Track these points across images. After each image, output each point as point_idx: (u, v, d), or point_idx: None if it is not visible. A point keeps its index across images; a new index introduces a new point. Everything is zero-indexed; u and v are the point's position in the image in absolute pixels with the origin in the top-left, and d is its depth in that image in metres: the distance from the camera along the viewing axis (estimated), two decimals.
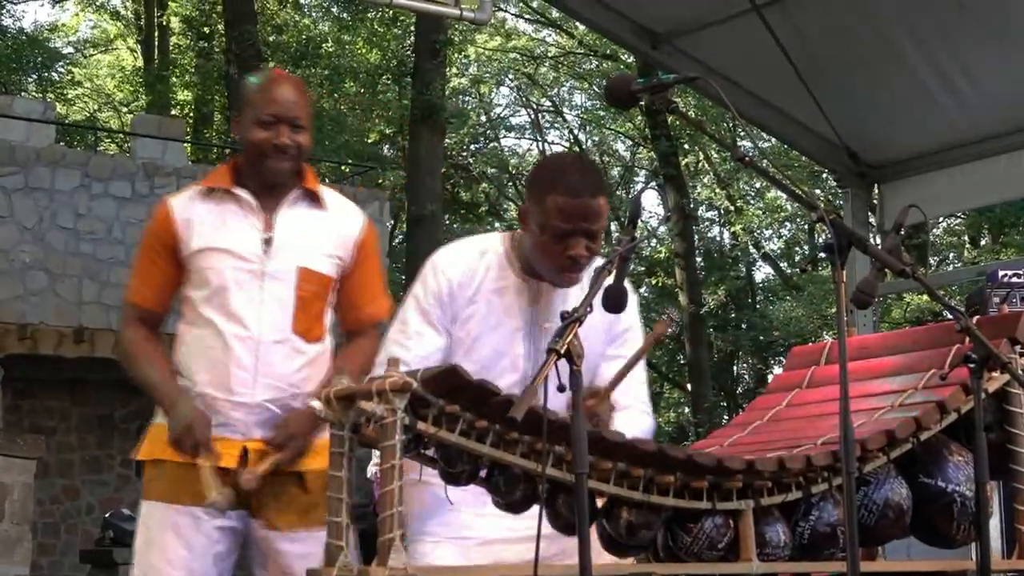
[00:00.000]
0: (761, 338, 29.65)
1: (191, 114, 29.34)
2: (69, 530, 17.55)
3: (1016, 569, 3.84)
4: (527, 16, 31.03)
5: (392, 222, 24.03)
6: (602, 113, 31.66)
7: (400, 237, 26.77)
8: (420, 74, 20.93)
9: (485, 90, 32.76)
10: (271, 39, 27.05)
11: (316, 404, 3.11)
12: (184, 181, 16.29)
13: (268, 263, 3.90)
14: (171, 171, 16.48)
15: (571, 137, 33.88)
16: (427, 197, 20.15)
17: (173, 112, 27.92)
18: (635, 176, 34.77)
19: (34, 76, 31.52)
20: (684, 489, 3.25)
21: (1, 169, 15.43)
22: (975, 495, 3.57)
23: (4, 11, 29.99)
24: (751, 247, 32.70)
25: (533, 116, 34.29)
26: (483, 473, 3.15)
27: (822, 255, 3.13)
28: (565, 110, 34.19)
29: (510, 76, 32.49)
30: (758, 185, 31.30)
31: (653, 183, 32.56)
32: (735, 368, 33.50)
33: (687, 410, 31.38)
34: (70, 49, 34.16)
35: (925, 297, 23.99)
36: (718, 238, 34.71)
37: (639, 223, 3.45)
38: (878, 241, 7.84)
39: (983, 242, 29.02)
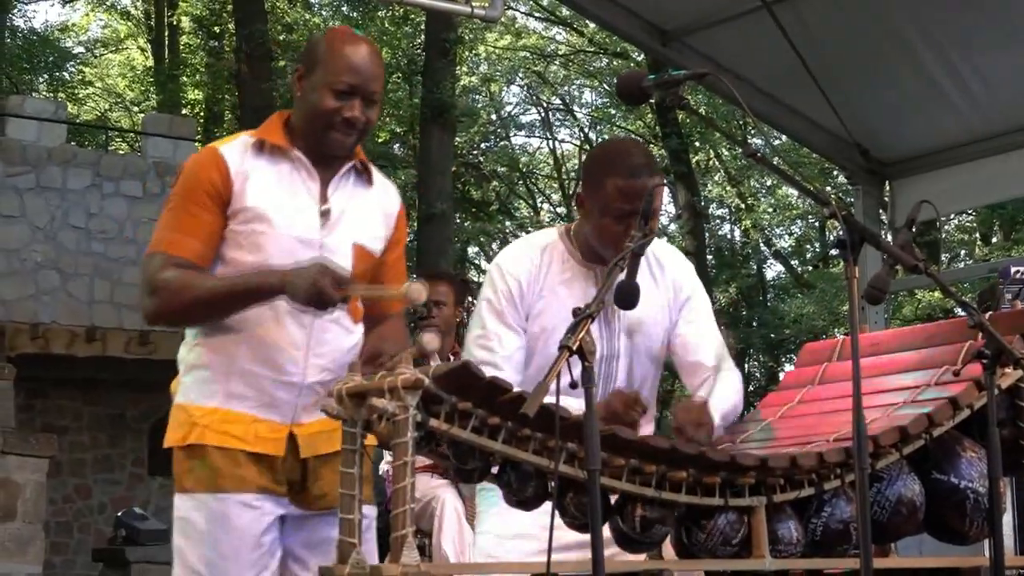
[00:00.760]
0: (772, 335, 29.60)
1: (202, 113, 29.36)
2: (81, 529, 17.59)
3: None
4: (537, 14, 31.00)
5: None
6: (613, 111, 31.62)
7: (411, 236, 26.78)
8: (430, 73, 20.92)
9: (495, 88, 32.73)
10: (281, 38, 27.03)
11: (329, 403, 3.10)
12: None
13: (325, 236, 3.62)
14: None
15: (581, 135, 33.87)
16: (437, 196, 20.13)
17: (184, 111, 27.94)
18: None
19: (45, 76, 31.57)
20: (697, 485, 3.25)
21: (13, 169, 15.47)
22: (988, 491, 3.56)
23: (15, 11, 30.03)
24: (762, 244, 32.66)
25: (543, 114, 34.28)
26: (495, 470, 3.15)
27: (834, 251, 3.14)
28: (575, 108, 34.18)
29: (520, 74, 32.45)
30: (769, 182, 31.26)
31: (664, 180, 32.53)
32: (747, 365, 33.40)
33: None
34: (81, 49, 34.23)
35: (937, 294, 23.96)
36: (729, 236, 34.69)
37: (650, 218, 3.46)
38: (890, 238, 7.84)
39: (995, 239, 28.95)
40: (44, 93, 29.41)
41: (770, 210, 32.15)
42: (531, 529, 3.54)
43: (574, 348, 2.84)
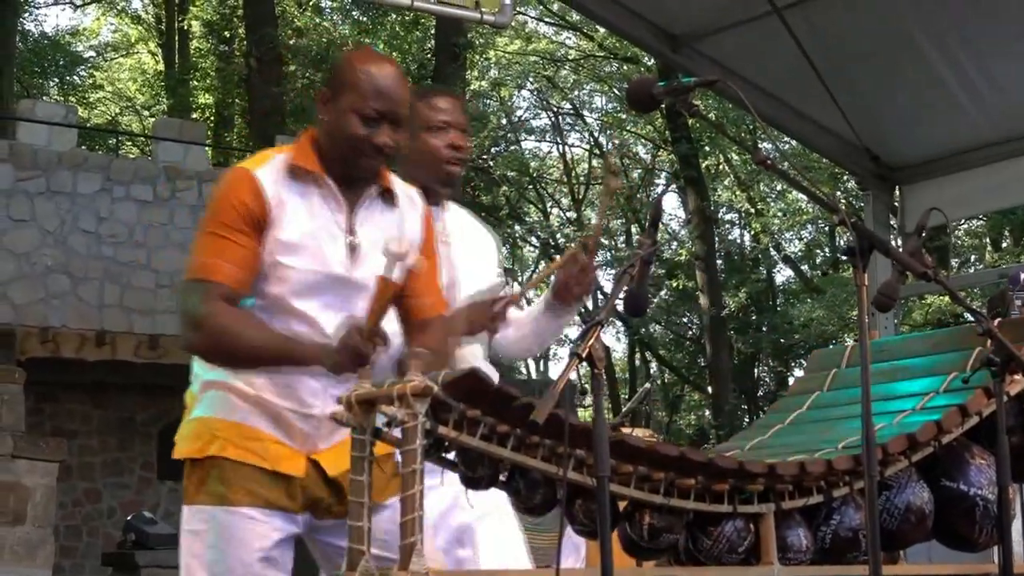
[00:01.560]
0: (782, 340, 29.60)
1: (212, 117, 29.38)
2: (91, 533, 17.62)
3: None
4: (547, 19, 31.04)
5: None
6: (623, 116, 31.63)
7: None
8: (440, 77, 20.94)
9: (505, 93, 32.75)
10: (291, 42, 27.07)
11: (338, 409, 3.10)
12: (205, 184, 16.36)
13: (353, 271, 3.57)
14: (192, 174, 16.52)
15: (591, 140, 33.90)
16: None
17: (194, 115, 27.96)
18: (656, 178, 34.80)
19: (56, 80, 31.68)
20: (705, 492, 3.25)
21: (23, 173, 15.49)
22: (997, 498, 3.56)
23: (26, 15, 30.11)
24: (772, 249, 32.64)
25: (553, 119, 34.32)
26: (503, 477, 3.15)
27: (844, 257, 3.13)
28: (585, 113, 34.21)
29: (530, 79, 32.47)
30: (778, 187, 31.27)
31: (673, 185, 32.56)
32: (756, 371, 33.43)
33: (708, 413, 31.35)
34: (92, 53, 34.35)
35: (946, 299, 23.89)
36: (739, 240, 34.68)
37: (660, 226, 3.46)
38: (899, 243, 7.83)
39: (1005, 244, 28.94)
40: (55, 97, 29.51)
41: (780, 215, 32.14)
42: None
43: (583, 355, 2.84)
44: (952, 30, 6.99)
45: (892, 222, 8.43)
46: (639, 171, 34.30)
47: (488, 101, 32.13)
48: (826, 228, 31.58)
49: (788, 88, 7.71)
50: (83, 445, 17.58)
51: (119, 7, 34.00)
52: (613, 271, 30.68)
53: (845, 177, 24.14)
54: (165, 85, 30.53)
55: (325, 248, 3.54)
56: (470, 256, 4.23)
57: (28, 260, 15.32)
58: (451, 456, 3.14)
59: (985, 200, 8.40)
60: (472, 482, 3.12)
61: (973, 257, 30.85)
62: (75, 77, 32.44)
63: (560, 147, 34.50)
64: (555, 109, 33.95)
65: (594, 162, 33.18)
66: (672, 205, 33.89)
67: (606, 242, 31.71)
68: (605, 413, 2.92)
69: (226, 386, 3.59)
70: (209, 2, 29.57)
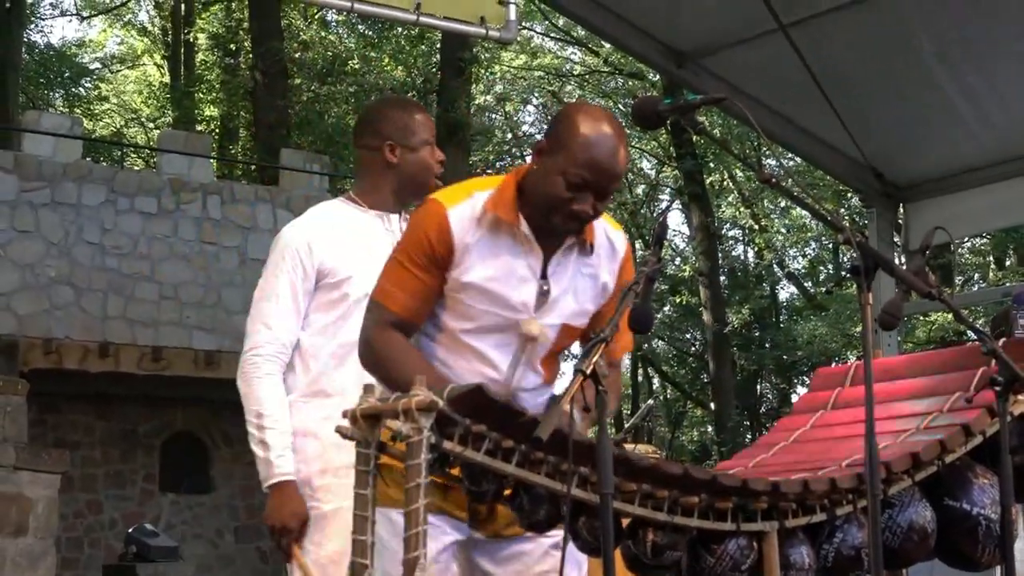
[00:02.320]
0: (785, 357, 29.59)
1: (217, 130, 29.44)
2: (92, 544, 17.59)
3: None
4: (553, 35, 31.08)
5: None
6: (627, 131, 31.59)
7: None
8: (446, 92, 20.97)
9: (510, 108, 32.80)
10: (297, 56, 27.12)
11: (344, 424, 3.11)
12: (210, 197, 16.39)
13: (540, 317, 3.61)
14: (197, 187, 16.55)
15: None
16: None
17: (199, 128, 28.03)
18: (660, 194, 34.82)
19: (61, 92, 31.75)
20: (709, 510, 3.25)
21: (28, 184, 15.51)
22: (1000, 518, 3.56)
23: (32, 27, 30.17)
24: (775, 266, 32.65)
25: None
26: (508, 492, 3.15)
27: (847, 275, 3.14)
28: None
29: (536, 94, 32.52)
30: (783, 204, 31.27)
31: (677, 201, 32.58)
32: (759, 387, 33.43)
33: (710, 429, 31.34)
34: (97, 65, 34.45)
35: (950, 317, 23.89)
36: (742, 257, 34.70)
37: (664, 243, 3.46)
38: (903, 260, 7.83)
39: (1008, 263, 28.94)
40: (60, 109, 29.56)
41: (784, 231, 32.16)
42: None
43: (588, 372, 2.85)
44: (958, 49, 6.99)
45: (896, 240, 8.43)
46: (643, 186, 34.34)
47: (493, 116, 32.20)
48: (830, 245, 31.60)
49: (793, 105, 7.71)
50: (85, 456, 17.57)
51: (125, 19, 34.10)
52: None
53: (849, 195, 24.15)
54: (170, 97, 30.59)
55: (510, 293, 3.57)
56: None
57: (32, 271, 15.34)
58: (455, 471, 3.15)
59: (989, 219, 8.40)
60: (477, 497, 3.13)
61: (977, 275, 30.84)
62: (81, 89, 32.50)
63: None
64: None
65: None
66: (676, 221, 33.97)
67: None
68: (608, 429, 2.92)
69: None
70: (215, 15, 29.64)
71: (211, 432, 17.97)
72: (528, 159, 3.68)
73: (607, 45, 24.99)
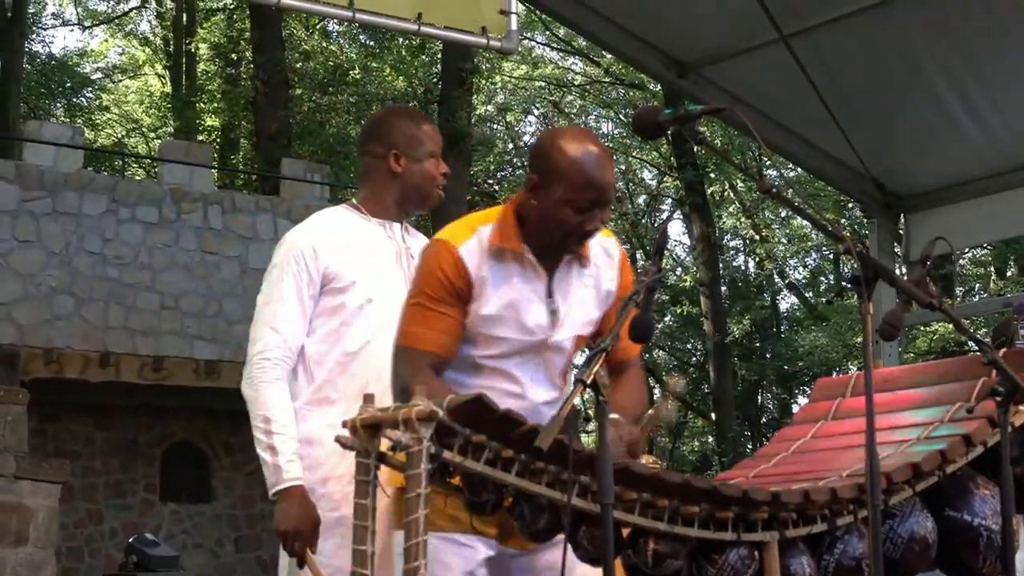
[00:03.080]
0: (786, 367, 29.58)
1: (218, 140, 29.42)
2: (93, 554, 17.58)
3: None
4: (554, 45, 31.10)
5: None
6: (628, 141, 31.67)
7: None
8: (447, 102, 20.96)
9: (512, 118, 32.81)
10: (298, 65, 27.14)
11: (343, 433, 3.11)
12: (211, 207, 16.38)
13: (553, 335, 3.78)
14: (198, 196, 16.54)
15: None
16: None
17: (201, 138, 28.02)
18: (661, 204, 34.82)
19: (63, 101, 31.76)
20: (709, 520, 3.25)
21: (29, 194, 15.50)
22: (1001, 529, 3.56)
23: (34, 36, 30.19)
24: (776, 276, 32.65)
25: None
26: (508, 502, 3.15)
27: (848, 286, 3.14)
28: None
29: (537, 104, 32.54)
30: (783, 214, 31.29)
31: (678, 212, 32.58)
32: (759, 397, 33.42)
33: (711, 439, 31.31)
34: (99, 75, 34.43)
35: (951, 327, 23.87)
36: (743, 267, 34.69)
37: (664, 253, 3.46)
38: (903, 271, 7.82)
39: (1009, 273, 28.93)
40: (61, 118, 29.56)
41: (784, 241, 32.16)
42: None
43: (588, 382, 2.85)
44: (959, 59, 7.00)
45: (897, 250, 8.43)
46: (644, 197, 34.34)
47: (494, 126, 32.21)
48: (831, 255, 31.60)
49: (794, 116, 7.72)
50: (86, 466, 17.57)
51: (127, 29, 34.13)
52: None
53: (850, 205, 24.15)
54: (172, 107, 30.59)
55: (526, 317, 3.73)
56: None
57: (33, 281, 15.33)
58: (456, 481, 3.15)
59: (990, 229, 8.40)
60: (477, 507, 3.13)
61: (978, 286, 30.84)
62: (82, 98, 32.52)
63: None
64: None
65: None
66: (677, 231, 33.96)
67: None
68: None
69: None
70: (217, 25, 29.66)
71: (212, 442, 17.98)
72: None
73: (608, 55, 25.03)
